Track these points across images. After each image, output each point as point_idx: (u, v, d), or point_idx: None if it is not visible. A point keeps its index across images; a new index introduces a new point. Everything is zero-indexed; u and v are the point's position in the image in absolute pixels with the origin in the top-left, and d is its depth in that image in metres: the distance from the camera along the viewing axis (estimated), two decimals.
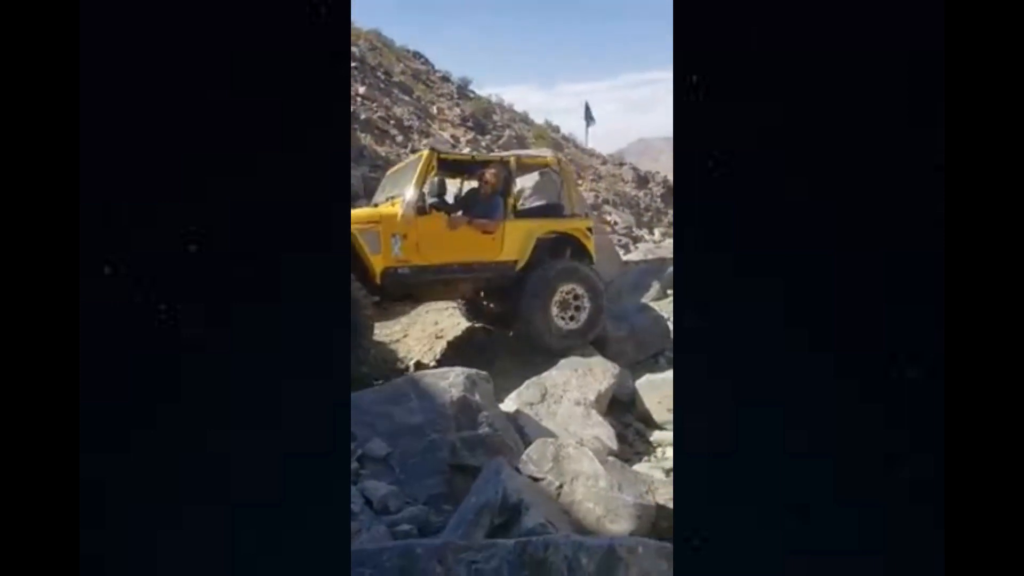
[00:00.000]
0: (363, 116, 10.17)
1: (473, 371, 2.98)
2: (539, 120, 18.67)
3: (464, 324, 5.20)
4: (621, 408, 3.71)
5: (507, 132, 14.32)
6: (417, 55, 17.36)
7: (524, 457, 2.31)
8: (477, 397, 2.80)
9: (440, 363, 4.45)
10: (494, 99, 17.62)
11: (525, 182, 5.91)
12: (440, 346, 4.89)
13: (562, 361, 3.77)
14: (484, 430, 2.63)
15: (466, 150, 10.56)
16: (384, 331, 5.12)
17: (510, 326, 4.69)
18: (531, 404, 3.33)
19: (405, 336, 5.16)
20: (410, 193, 4.02)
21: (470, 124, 13.67)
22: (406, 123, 11.27)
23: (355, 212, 4.13)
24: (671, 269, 6.43)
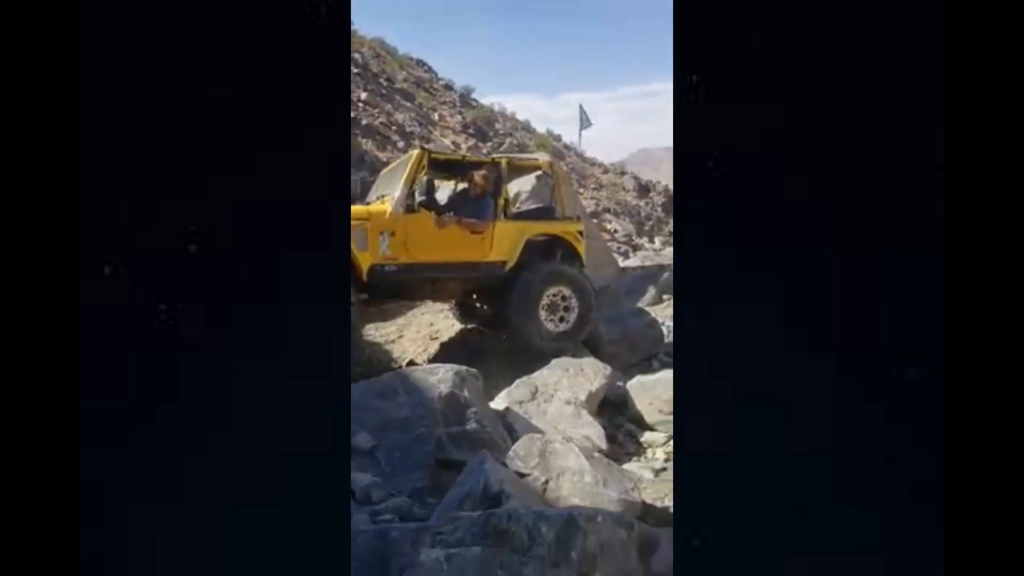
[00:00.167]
0: (364, 122, 10.20)
1: (463, 368, 2.97)
2: (541, 129, 18.69)
3: (459, 326, 5.20)
4: (612, 409, 3.70)
5: (508, 140, 14.34)
6: (420, 63, 17.39)
7: (511, 453, 2.33)
8: (466, 393, 2.79)
9: (433, 363, 4.45)
10: (496, 108, 17.65)
11: (522, 185, 5.93)
12: (434, 347, 4.91)
13: (554, 361, 3.77)
14: (472, 426, 2.63)
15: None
16: (379, 332, 5.14)
17: (502, 328, 4.68)
18: (521, 403, 3.33)
19: (400, 337, 5.17)
20: (399, 191, 4.04)
21: (471, 131, 13.69)
22: (407, 129, 11.29)
23: None
24: (667, 275, 6.47)
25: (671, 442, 3.29)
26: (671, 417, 3.35)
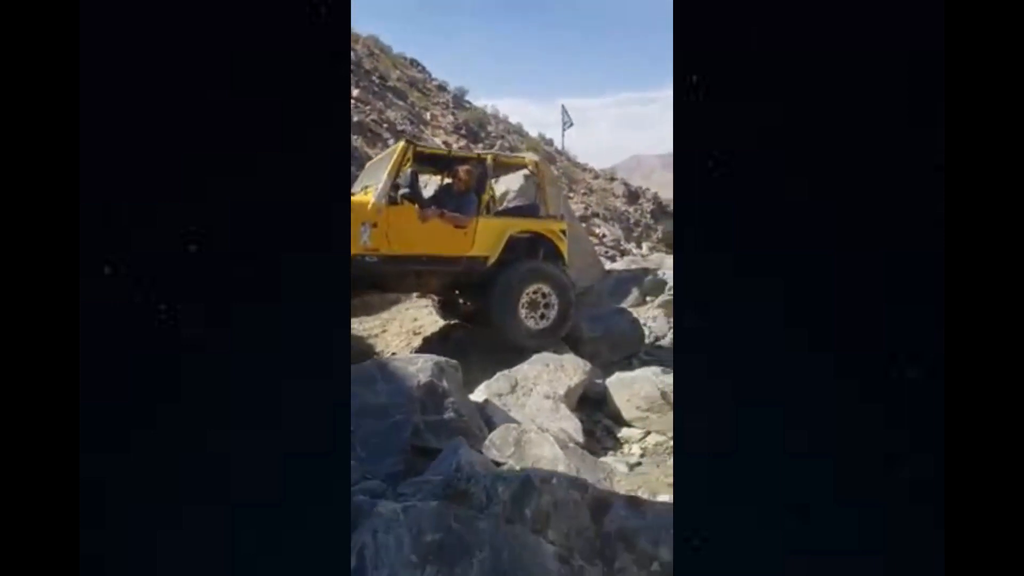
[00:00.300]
0: (356, 118, 10.24)
1: (443, 359, 2.97)
2: (533, 133, 18.74)
3: (442, 321, 5.23)
4: (591, 405, 3.73)
5: (500, 142, 14.37)
6: (414, 63, 17.41)
7: (487, 442, 2.35)
8: (445, 384, 2.79)
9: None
10: (489, 110, 17.66)
11: (510, 184, 5.93)
12: (417, 341, 4.93)
13: (534, 356, 3.78)
14: (449, 415, 2.63)
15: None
16: (363, 326, 5.16)
17: (484, 324, 4.68)
18: (500, 395, 3.34)
19: (384, 331, 5.20)
20: (383, 183, 4.02)
21: (463, 132, 13.71)
22: (399, 127, 11.32)
23: None
24: (651, 277, 6.53)
25: (647, 438, 3.33)
26: (648, 414, 3.40)
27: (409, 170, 4.25)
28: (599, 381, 3.83)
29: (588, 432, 3.28)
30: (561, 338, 4.60)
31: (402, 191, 4.13)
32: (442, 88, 16.68)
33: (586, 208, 12.98)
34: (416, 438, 2.45)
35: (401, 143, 4.34)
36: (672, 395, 3.17)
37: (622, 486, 2.21)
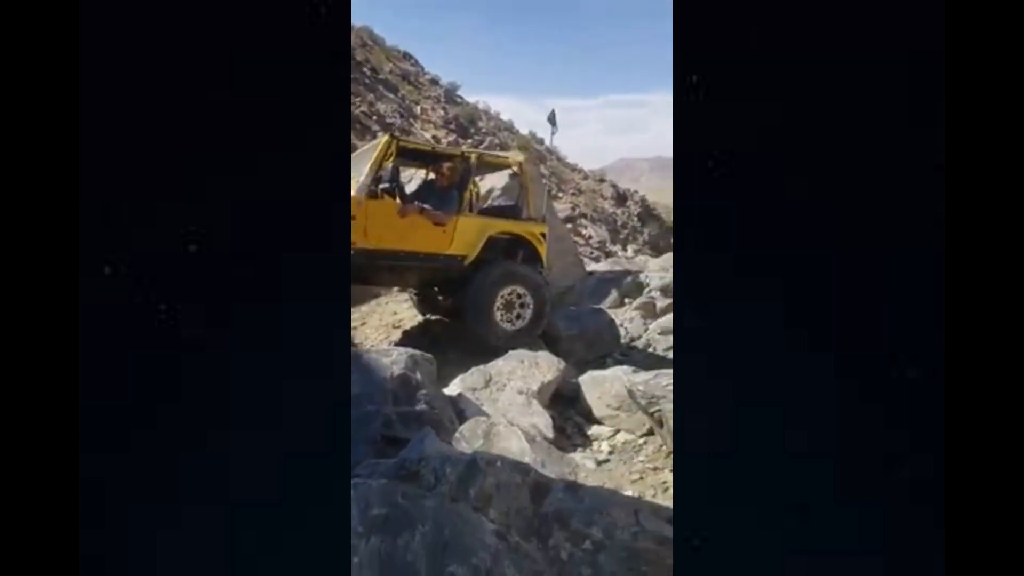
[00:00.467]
0: None
1: (417, 352, 2.96)
2: (524, 131, 18.72)
3: (422, 316, 5.25)
4: (564, 402, 3.75)
5: (490, 139, 14.35)
6: (407, 56, 17.36)
7: (457, 434, 2.39)
8: (418, 376, 2.79)
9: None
10: (481, 106, 17.62)
11: (496, 181, 5.92)
12: (396, 335, 4.94)
13: (510, 352, 3.79)
14: (421, 407, 2.64)
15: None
16: None
17: (461, 320, 4.70)
18: (474, 390, 3.35)
19: (363, 324, 5.21)
20: (364, 176, 4.00)
21: (453, 127, 13.69)
22: (388, 120, 11.30)
23: None
24: (630, 279, 6.57)
25: (616, 436, 3.36)
26: (619, 412, 3.42)
27: (391, 165, 4.23)
28: (573, 380, 3.85)
29: (559, 428, 3.31)
30: (537, 336, 4.61)
31: (383, 185, 4.11)
32: (434, 82, 16.65)
33: (574, 208, 12.97)
34: (387, 429, 2.47)
35: (385, 137, 4.32)
36: (638, 395, 3.19)
37: (588, 481, 2.22)
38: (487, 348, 4.19)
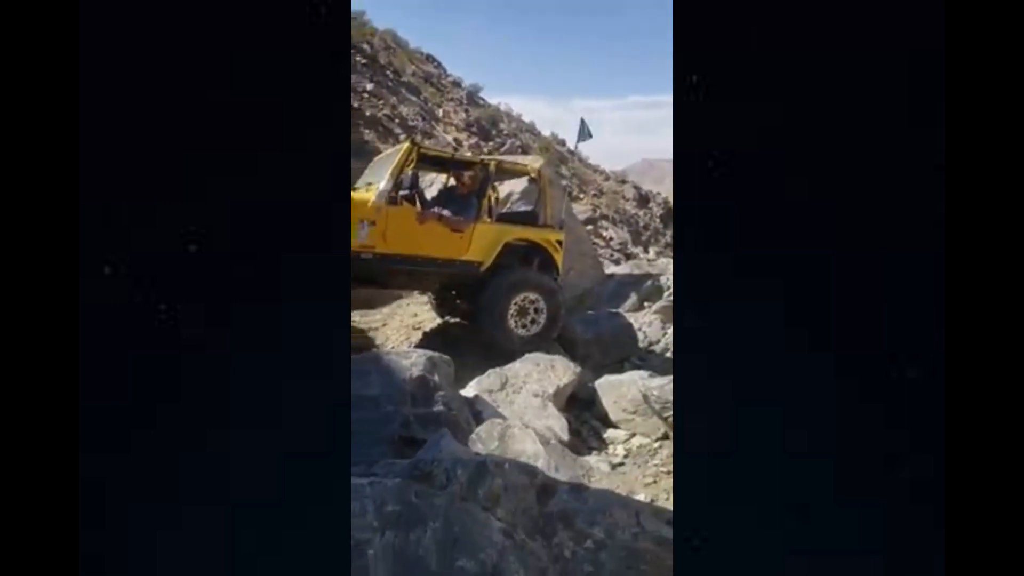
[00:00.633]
0: (368, 112, 10.24)
1: (436, 354, 3.02)
2: (546, 132, 18.63)
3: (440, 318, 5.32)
4: (581, 406, 3.78)
5: (511, 141, 14.32)
6: (430, 58, 17.34)
7: (473, 436, 2.46)
8: (436, 378, 2.85)
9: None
10: (503, 108, 17.57)
11: (515, 185, 5.95)
12: (416, 336, 5.02)
13: (526, 355, 3.84)
14: (439, 408, 2.70)
15: (468, 155, 10.76)
16: (364, 319, 5.28)
17: (477, 324, 4.77)
18: (491, 392, 3.39)
19: (384, 325, 5.30)
20: (384, 183, 4.09)
21: (474, 130, 13.68)
22: (411, 123, 11.31)
23: None
24: (650, 282, 6.54)
25: (632, 440, 3.37)
26: (634, 416, 3.45)
27: (411, 171, 4.30)
28: (590, 384, 3.88)
29: (575, 432, 3.34)
30: (554, 340, 4.66)
31: (402, 192, 4.19)
32: (456, 84, 16.63)
33: (595, 210, 12.94)
34: (405, 429, 2.52)
35: (406, 144, 4.40)
36: (652, 399, 3.19)
37: (602, 484, 2.24)
38: (502, 352, 4.24)
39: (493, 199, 4.95)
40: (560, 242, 4.80)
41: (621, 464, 3.08)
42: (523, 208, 5.49)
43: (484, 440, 2.40)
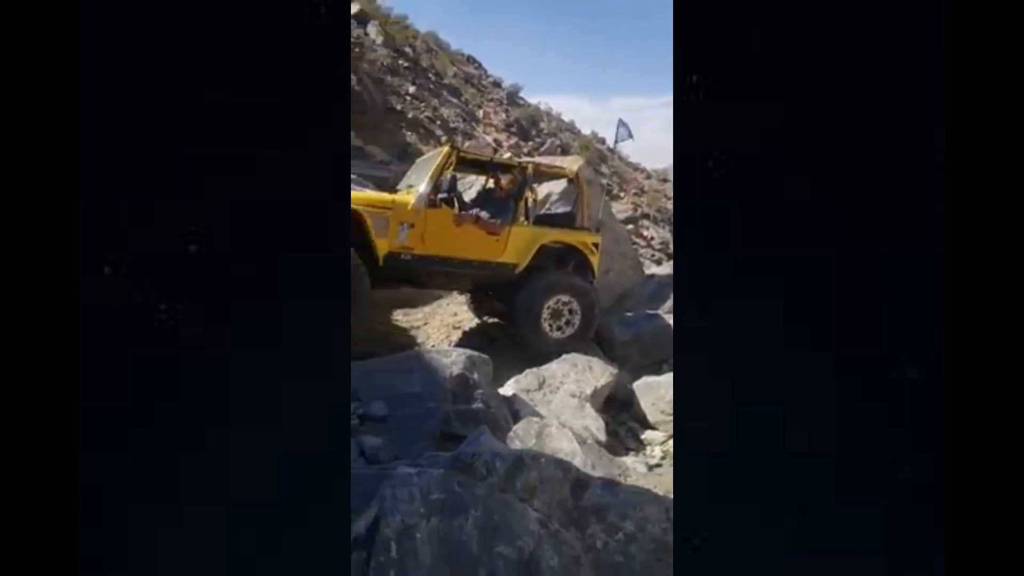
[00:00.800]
0: (410, 115, 10.31)
1: (475, 353, 3.11)
2: (586, 131, 18.52)
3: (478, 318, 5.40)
4: (618, 407, 3.81)
5: (551, 140, 14.28)
6: (471, 59, 17.31)
7: (511, 433, 2.54)
8: (476, 376, 2.94)
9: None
10: (543, 107, 17.49)
11: (554, 186, 5.97)
12: (456, 335, 5.11)
13: (563, 356, 3.89)
14: (478, 406, 2.79)
15: (507, 155, 10.83)
16: (407, 318, 5.39)
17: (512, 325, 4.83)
18: (528, 391, 3.45)
19: (425, 324, 5.40)
20: (424, 186, 4.21)
21: (514, 130, 13.68)
22: (451, 124, 11.35)
23: (369, 195, 4.34)
24: None
25: (670, 441, 3.37)
26: (672, 417, 3.43)
27: (450, 175, 4.39)
28: (628, 385, 3.93)
29: (612, 432, 3.39)
30: (592, 341, 4.72)
31: (441, 195, 4.29)
32: (496, 85, 16.59)
33: (636, 209, 12.89)
34: (445, 425, 2.61)
35: (445, 147, 4.51)
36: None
37: (638, 484, 2.25)
38: (539, 353, 4.30)
39: (532, 200, 5.04)
40: (596, 245, 4.85)
41: (658, 465, 3.10)
42: (562, 209, 5.56)
43: (522, 438, 2.47)
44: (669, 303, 6.28)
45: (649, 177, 17.35)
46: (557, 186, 5.99)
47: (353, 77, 9.44)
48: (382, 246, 4.03)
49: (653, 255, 10.17)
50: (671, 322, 5.33)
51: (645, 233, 11.63)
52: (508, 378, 3.67)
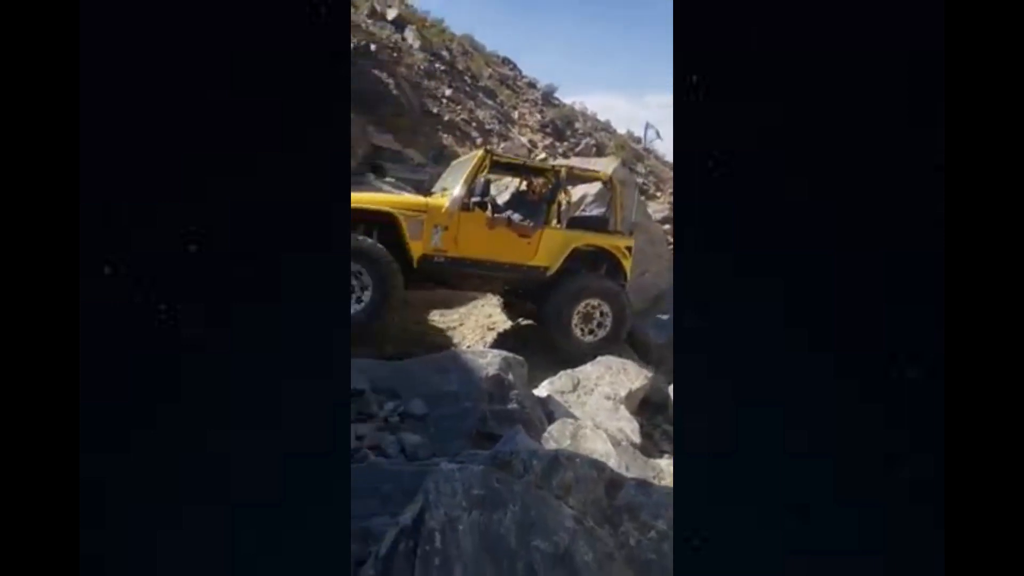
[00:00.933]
0: (446, 118, 10.38)
1: (510, 354, 3.20)
2: (622, 130, 18.42)
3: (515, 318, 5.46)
4: (653, 410, 3.86)
5: (586, 140, 14.24)
6: (506, 61, 17.30)
7: (546, 434, 2.61)
8: (511, 377, 3.02)
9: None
10: (578, 107, 17.44)
11: (589, 188, 5.99)
12: (491, 336, 5.19)
13: (598, 358, 3.94)
14: (513, 406, 2.87)
15: (541, 155, 10.80)
16: (443, 319, 5.47)
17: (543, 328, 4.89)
18: (562, 392, 3.51)
19: (461, 325, 5.47)
20: (458, 190, 4.29)
21: (549, 130, 13.69)
22: (487, 126, 11.39)
23: (404, 199, 4.47)
24: None
25: None
26: None
27: (483, 178, 4.45)
28: (663, 388, 3.97)
29: (647, 435, 3.44)
30: (626, 343, 4.77)
31: (474, 199, 4.35)
32: (531, 85, 16.58)
33: (672, 208, 12.91)
34: (482, 424, 2.69)
35: (480, 152, 4.60)
36: None
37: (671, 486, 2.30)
38: (572, 355, 4.34)
39: (566, 202, 5.08)
40: (630, 248, 4.87)
41: None
42: (597, 211, 5.58)
43: (556, 439, 2.51)
44: None
45: None
46: (592, 187, 6.00)
47: (391, 81, 9.51)
48: (416, 248, 4.10)
49: None
50: None
51: None
52: (542, 380, 3.72)
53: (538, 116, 14.39)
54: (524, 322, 5.28)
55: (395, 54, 10.64)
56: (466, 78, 13.32)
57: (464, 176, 4.35)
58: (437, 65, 12.32)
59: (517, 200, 4.96)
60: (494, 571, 1.28)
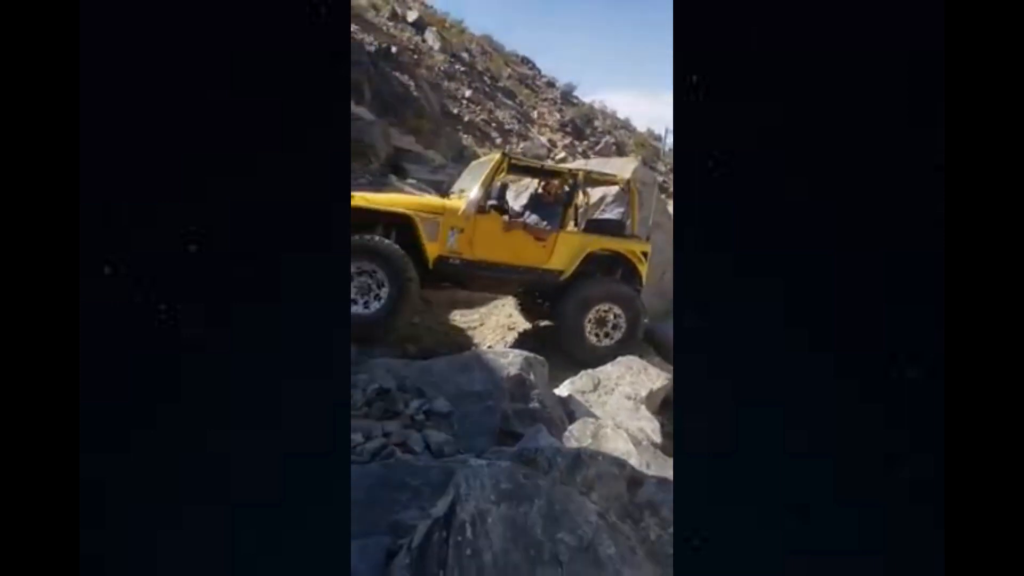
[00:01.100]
0: (467, 118, 10.40)
1: (532, 354, 3.24)
2: (642, 128, 18.32)
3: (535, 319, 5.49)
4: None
5: (605, 139, 14.20)
6: (525, 60, 17.26)
7: (567, 433, 2.66)
8: (532, 377, 3.06)
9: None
10: (597, 105, 17.34)
11: (608, 189, 5.98)
12: (511, 336, 5.22)
13: (619, 358, 3.95)
14: (534, 405, 2.91)
15: (560, 155, 10.79)
16: (464, 319, 5.51)
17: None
18: (583, 392, 3.53)
19: (481, 325, 5.51)
20: (475, 192, 4.31)
21: (568, 129, 13.67)
22: (507, 127, 11.42)
23: (421, 200, 4.48)
24: None
25: None
26: None
27: (500, 182, 4.48)
28: None
29: (668, 434, 3.43)
30: (647, 344, 4.79)
31: (491, 202, 4.38)
32: (551, 85, 16.51)
33: None
34: (504, 423, 2.73)
35: (497, 154, 4.59)
36: None
37: None
38: (588, 358, 4.34)
39: (585, 203, 5.10)
40: (646, 253, 4.87)
41: None
42: (617, 212, 5.59)
43: (577, 438, 2.55)
44: None
45: None
46: (612, 188, 6.00)
47: (411, 83, 9.53)
48: (432, 250, 4.13)
49: None
50: None
51: None
52: (563, 379, 3.74)
53: (557, 115, 14.39)
54: (543, 323, 5.29)
55: (416, 56, 10.68)
56: (486, 79, 13.36)
57: (481, 179, 4.37)
58: (457, 66, 12.36)
59: (534, 202, 4.99)
60: (522, 561, 1.33)
